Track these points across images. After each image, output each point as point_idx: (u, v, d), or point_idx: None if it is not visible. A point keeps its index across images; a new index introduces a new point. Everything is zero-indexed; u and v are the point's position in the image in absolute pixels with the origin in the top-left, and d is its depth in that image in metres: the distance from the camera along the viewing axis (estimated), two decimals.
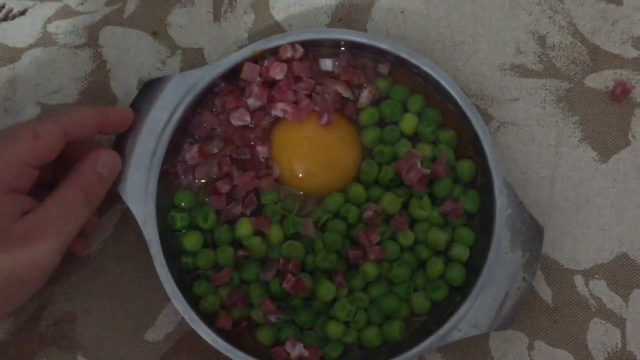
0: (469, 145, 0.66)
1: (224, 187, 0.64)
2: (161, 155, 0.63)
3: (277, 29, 0.70)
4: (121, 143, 0.64)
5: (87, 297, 0.67)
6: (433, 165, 0.65)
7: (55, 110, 0.61)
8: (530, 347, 0.67)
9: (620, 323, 0.67)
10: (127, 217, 0.67)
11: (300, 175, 0.65)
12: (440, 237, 0.64)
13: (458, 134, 0.66)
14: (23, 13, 0.70)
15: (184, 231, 0.65)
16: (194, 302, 0.63)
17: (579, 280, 0.67)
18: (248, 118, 0.65)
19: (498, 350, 0.67)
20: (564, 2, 0.70)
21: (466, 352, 0.67)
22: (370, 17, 0.70)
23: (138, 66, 0.69)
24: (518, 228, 0.63)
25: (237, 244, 0.65)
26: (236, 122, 0.65)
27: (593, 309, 0.67)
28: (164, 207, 0.64)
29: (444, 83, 0.65)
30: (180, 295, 0.62)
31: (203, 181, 0.66)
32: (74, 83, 0.69)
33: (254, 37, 0.70)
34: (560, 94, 0.69)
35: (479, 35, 0.70)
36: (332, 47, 0.67)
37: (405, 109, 0.67)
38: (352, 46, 0.66)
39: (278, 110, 0.65)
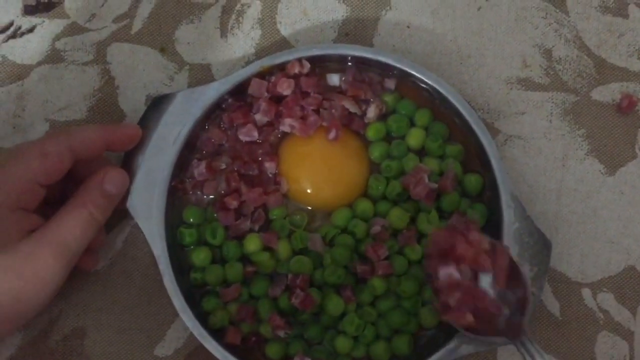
0: (476, 159, 0.66)
1: (232, 203, 0.64)
2: (169, 171, 0.63)
3: (284, 44, 0.70)
4: (129, 160, 0.64)
5: (96, 313, 0.67)
6: (440, 179, 0.65)
7: (63, 129, 0.61)
8: None
9: (628, 336, 0.67)
10: (136, 232, 0.67)
11: (308, 190, 0.66)
12: None
13: (465, 147, 0.66)
14: (31, 30, 0.70)
15: (192, 247, 0.65)
16: (202, 317, 0.63)
17: (586, 293, 0.67)
18: (255, 133, 0.65)
19: None
20: (570, 15, 0.70)
21: None
22: (376, 32, 0.70)
23: (146, 82, 0.70)
24: (525, 242, 0.63)
25: (245, 259, 0.65)
26: (244, 137, 0.65)
27: (601, 322, 0.67)
28: (173, 223, 0.65)
29: (450, 97, 0.65)
30: (189, 311, 0.62)
31: (211, 197, 0.66)
32: (82, 99, 0.69)
33: (260, 53, 0.70)
34: (567, 107, 0.69)
35: (485, 48, 0.70)
36: (339, 62, 0.67)
37: (412, 123, 0.67)
38: (359, 61, 0.66)
39: (285, 125, 0.65)
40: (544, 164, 0.69)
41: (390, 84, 0.67)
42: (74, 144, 0.59)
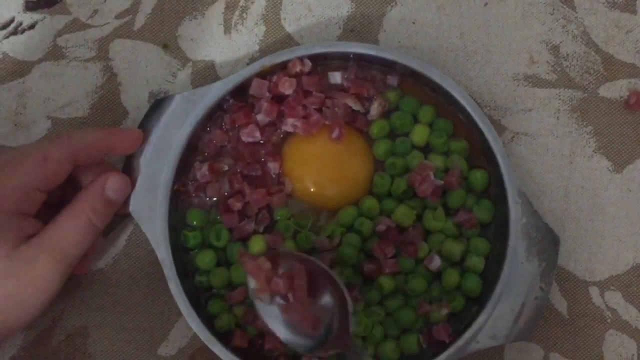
0: (481, 155, 0.66)
1: (236, 204, 0.64)
2: (171, 174, 0.63)
3: (288, 40, 0.70)
4: (131, 163, 0.64)
5: (99, 312, 0.67)
6: (445, 175, 0.64)
7: (64, 132, 0.60)
8: (546, 359, 0.67)
9: (635, 334, 0.67)
10: (139, 231, 0.67)
11: (312, 190, 0.65)
12: (454, 248, 0.64)
13: (470, 143, 0.66)
14: (32, 26, 0.69)
15: (196, 250, 0.65)
16: (209, 320, 0.63)
17: (594, 291, 0.67)
18: (258, 134, 0.65)
19: None
20: (577, 11, 0.70)
21: None
22: (381, 28, 0.70)
23: (148, 79, 0.69)
24: (533, 237, 0.63)
25: None
26: (246, 138, 0.65)
27: (608, 320, 0.67)
28: (176, 226, 0.64)
29: (453, 93, 0.64)
30: (195, 315, 0.61)
31: (214, 199, 0.65)
32: (84, 96, 0.69)
33: (265, 49, 0.69)
34: (574, 104, 0.69)
35: (491, 45, 0.70)
36: (341, 60, 0.66)
37: (416, 120, 0.66)
38: (361, 58, 0.66)
39: (288, 125, 0.65)
40: (551, 161, 0.68)
41: (393, 80, 0.66)
42: (74, 148, 0.59)
